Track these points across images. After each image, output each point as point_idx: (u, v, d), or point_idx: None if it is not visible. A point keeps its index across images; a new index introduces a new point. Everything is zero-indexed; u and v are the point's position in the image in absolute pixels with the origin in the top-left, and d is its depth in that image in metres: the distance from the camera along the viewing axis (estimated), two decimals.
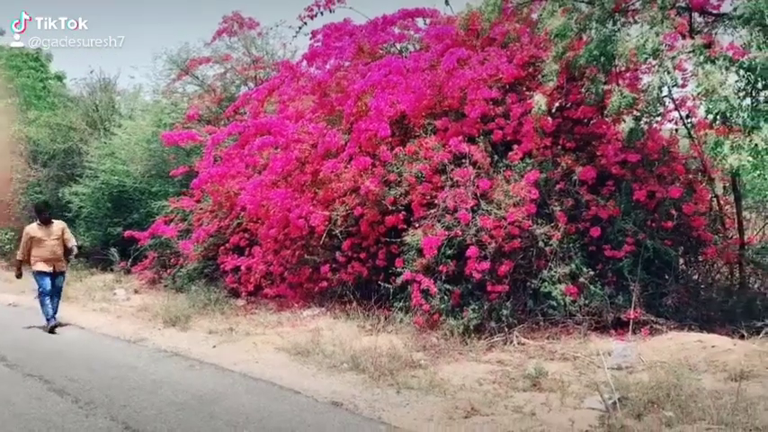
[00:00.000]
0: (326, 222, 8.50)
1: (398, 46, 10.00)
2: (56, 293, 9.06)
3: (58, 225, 9.17)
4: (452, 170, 7.52)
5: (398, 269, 7.56)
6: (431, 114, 8.31)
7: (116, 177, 15.07)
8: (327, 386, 5.75)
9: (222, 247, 10.93)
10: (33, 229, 8.98)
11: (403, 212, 7.91)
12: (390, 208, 7.89)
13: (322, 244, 8.89)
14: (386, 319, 7.74)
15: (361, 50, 9.64)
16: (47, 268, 8.91)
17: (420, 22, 9.95)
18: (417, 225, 7.54)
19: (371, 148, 8.29)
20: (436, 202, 7.47)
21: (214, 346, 7.52)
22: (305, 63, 10.56)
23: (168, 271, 12.01)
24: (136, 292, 12.23)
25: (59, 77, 23.49)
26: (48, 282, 8.93)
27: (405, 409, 5.10)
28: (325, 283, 8.92)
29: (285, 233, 9.51)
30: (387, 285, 7.77)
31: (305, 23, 10.53)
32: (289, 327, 8.18)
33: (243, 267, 10.10)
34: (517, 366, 6.14)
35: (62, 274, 9.24)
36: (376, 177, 7.98)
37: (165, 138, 12.46)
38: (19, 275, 9.44)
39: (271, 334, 7.86)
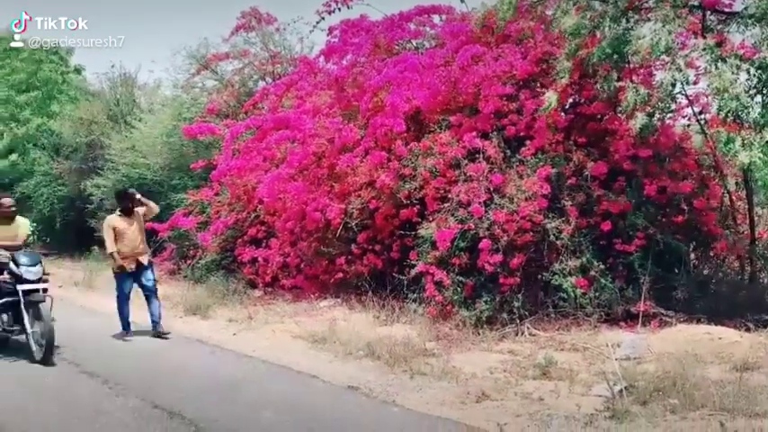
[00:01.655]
0: (342, 215, 8.69)
1: (414, 42, 10.16)
2: (151, 294, 7.88)
3: (138, 213, 7.95)
4: (466, 165, 7.67)
5: (412, 261, 7.74)
6: (445, 110, 8.46)
7: (136, 170, 15.37)
8: (344, 372, 5.97)
9: (240, 239, 11.15)
10: (115, 220, 7.76)
11: (417, 206, 8.07)
12: (405, 202, 8.06)
13: (338, 236, 9.08)
14: (400, 309, 7.92)
15: (378, 46, 9.81)
16: (129, 264, 7.72)
17: (436, 18, 10.11)
18: (431, 218, 7.71)
19: (387, 143, 8.47)
20: (450, 196, 7.62)
21: (234, 334, 7.77)
22: (322, 59, 10.76)
23: (187, 262, 12.26)
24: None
25: (78, 71, 23.86)
26: (129, 284, 7.79)
27: (418, 394, 5.30)
28: (340, 275, 9.11)
29: (302, 226, 9.71)
30: (401, 277, 7.96)
31: (322, 19, 10.67)
32: (305, 317, 8.40)
33: (260, 259, 10.31)
34: (528, 356, 6.31)
35: (149, 268, 7.97)
36: (391, 172, 8.15)
37: (185, 131, 12.71)
38: (122, 268, 7.73)
39: (288, 323, 8.09)
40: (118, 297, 7.85)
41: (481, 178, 7.52)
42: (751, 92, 6.61)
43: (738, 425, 4.21)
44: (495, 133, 7.87)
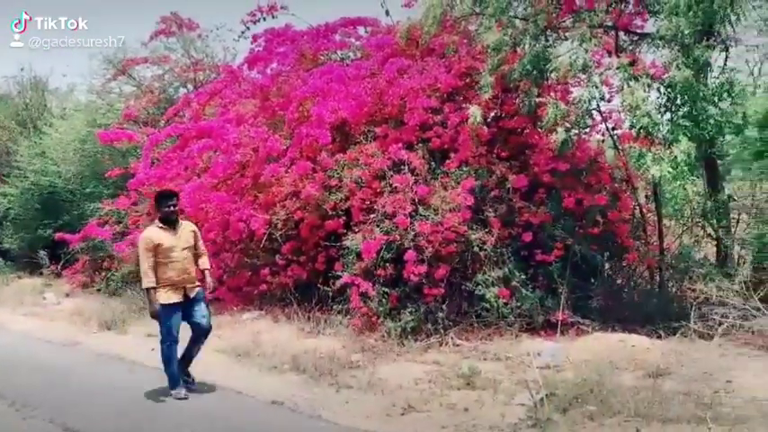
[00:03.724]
0: (267, 226, 8.54)
1: (340, 53, 10.18)
2: (201, 336, 5.90)
3: (187, 227, 5.93)
4: (391, 176, 7.71)
5: (338, 272, 7.69)
6: (371, 121, 8.50)
7: (47, 178, 14.74)
8: (268, 386, 5.84)
9: None
10: (156, 234, 5.66)
11: (343, 217, 8.04)
12: (330, 212, 8.01)
13: (262, 247, 8.93)
14: (325, 321, 7.85)
15: (303, 56, 9.77)
16: (175, 297, 5.67)
17: (361, 30, 10.18)
18: (357, 229, 7.70)
19: (312, 154, 8.41)
20: (375, 207, 7.63)
21: (153, 349, 7.42)
22: (246, 67, 10.63)
23: (101, 274, 11.77)
24: (67, 296, 11.99)
25: None
26: (177, 320, 5.73)
27: (344, 407, 5.26)
28: (264, 287, 8.94)
29: (224, 236, 9.47)
30: (326, 288, 7.89)
31: (247, 28, 10.61)
32: (228, 330, 8.19)
33: None
34: (452, 366, 6.35)
35: (202, 300, 5.87)
36: (317, 182, 8.10)
37: (100, 137, 12.25)
38: (156, 311, 5.62)
39: (210, 337, 7.84)
40: (163, 342, 5.72)
41: (406, 189, 7.57)
42: (661, 109, 6.99)
43: (653, 430, 4.39)
44: (420, 145, 7.97)
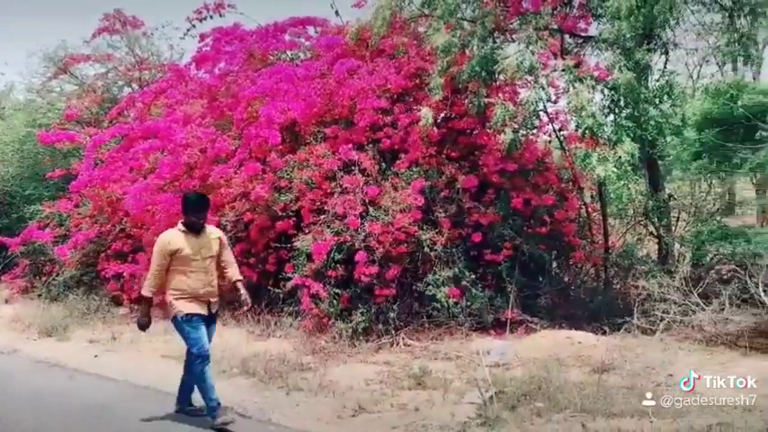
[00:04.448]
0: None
1: (289, 53, 10.09)
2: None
3: (213, 234, 5.21)
4: (342, 177, 7.69)
5: (288, 274, 7.62)
6: (321, 122, 8.46)
7: None
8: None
9: (103, 254, 10.48)
10: (176, 237, 4.99)
11: (293, 218, 7.97)
12: (281, 214, 7.92)
13: None
14: (275, 323, 7.75)
15: (252, 56, 9.66)
16: (200, 309, 4.97)
17: (311, 30, 10.11)
18: (307, 231, 7.63)
19: (262, 155, 8.32)
20: (326, 208, 7.59)
21: (96, 356, 7.27)
22: (193, 66, 10.45)
23: (42, 279, 11.37)
24: (6, 301, 11.50)
25: None
26: (205, 333, 4.98)
27: (295, 410, 5.21)
28: None
29: None
30: (276, 290, 7.80)
31: (193, 26, 10.50)
32: (175, 334, 7.92)
33: (126, 274, 9.71)
34: (403, 366, 6.37)
35: (215, 320, 5.30)
36: (266, 183, 8.00)
37: (40, 138, 11.87)
38: (147, 323, 5.18)
39: (156, 342, 7.63)
40: (193, 362, 4.97)
41: (357, 190, 7.56)
42: (605, 111, 7.16)
43: (598, 425, 4.48)
44: (370, 146, 7.96)
